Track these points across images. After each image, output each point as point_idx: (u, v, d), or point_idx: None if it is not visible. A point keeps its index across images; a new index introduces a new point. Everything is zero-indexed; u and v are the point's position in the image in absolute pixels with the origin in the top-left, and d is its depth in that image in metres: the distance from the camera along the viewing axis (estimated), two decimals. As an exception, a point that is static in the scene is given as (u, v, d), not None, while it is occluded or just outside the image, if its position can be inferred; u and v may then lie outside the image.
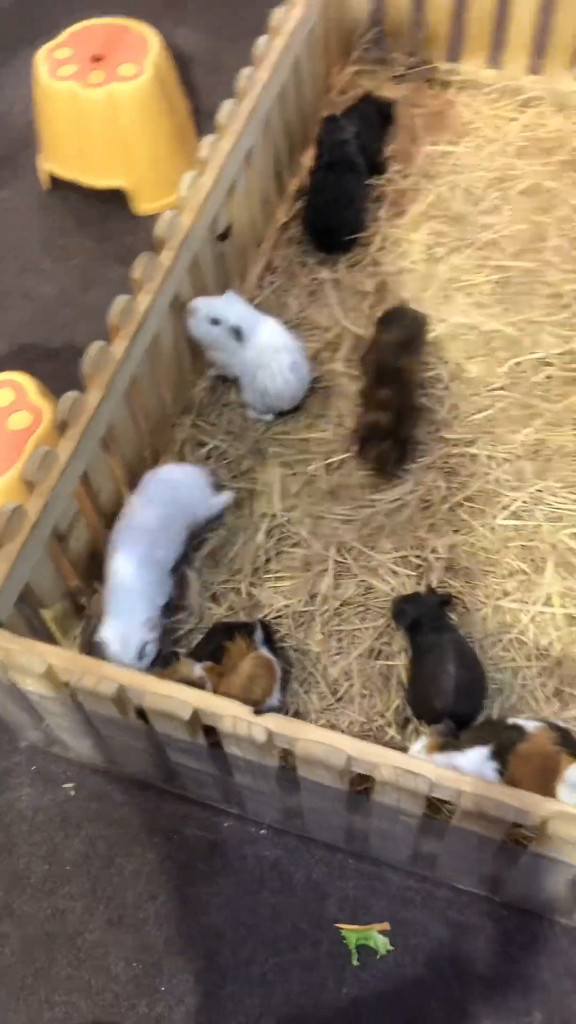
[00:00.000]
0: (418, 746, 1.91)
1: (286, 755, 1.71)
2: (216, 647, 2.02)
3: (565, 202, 2.94)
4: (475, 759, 1.84)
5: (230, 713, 1.63)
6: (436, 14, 3.18)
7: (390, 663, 2.21)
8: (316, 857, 2.06)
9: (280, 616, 2.29)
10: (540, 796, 1.56)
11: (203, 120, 3.42)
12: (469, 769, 1.81)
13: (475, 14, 3.14)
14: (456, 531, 2.37)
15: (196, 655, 2.04)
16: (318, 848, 2.07)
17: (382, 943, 1.96)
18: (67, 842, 2.12)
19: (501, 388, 2.60)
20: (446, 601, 2.20)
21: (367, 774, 1.62)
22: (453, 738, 1.92)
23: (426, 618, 2.14)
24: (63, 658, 1.73)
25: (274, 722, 1.64)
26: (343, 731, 2.10)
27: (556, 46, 3.15)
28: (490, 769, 1.84)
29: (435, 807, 1.82)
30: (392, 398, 2.39)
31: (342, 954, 1.96)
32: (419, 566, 2.32)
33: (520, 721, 1.93)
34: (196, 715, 1.66)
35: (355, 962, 1.95)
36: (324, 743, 1.58)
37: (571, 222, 2.89)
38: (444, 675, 2.02)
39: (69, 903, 2.06)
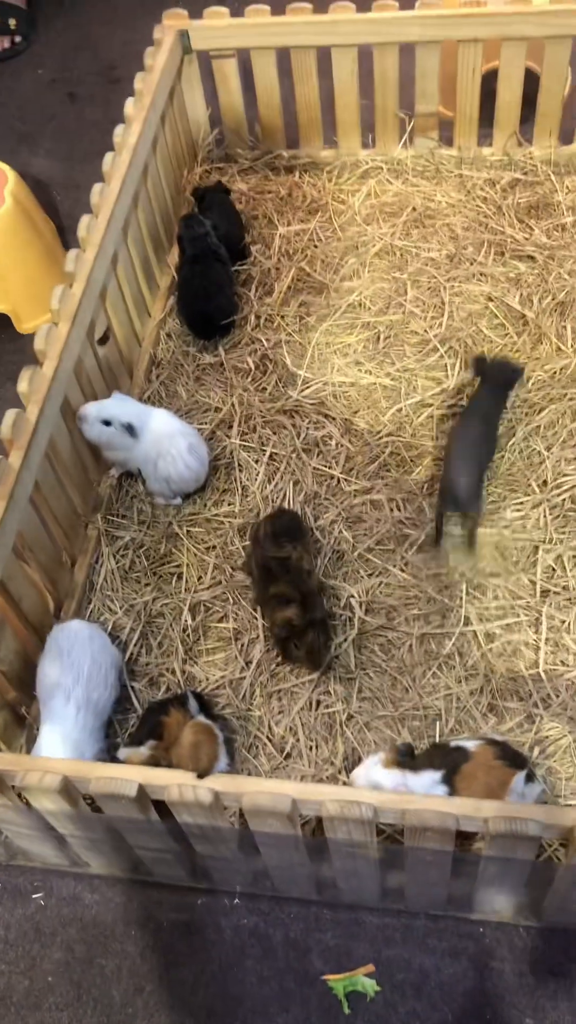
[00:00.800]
0: (373, 759, 1.97)
1: (237, 815, 1.76)
2: (154, 725, 2.07)
3: (416, 256, 3.16)
4: (427, 783, 1.91)
5: (175, 782, 1.68)
6: (267, 110, 3.43)
7: (330, 710, 2.28)
8: (291, 915, 2.09)
9: (218, 687, 2.35)
10: (479, 800, 1.63)
11: (70, 236, 3.60)
12: (420, 792, 1.88)
13: (302, 103, 3.40)
14: (370, 575, 2.48)
15: (137, 739, 2.08)
16: (292, 905, 2.10)
17: (370, 985, 1.98)
18: (45, 952, 2.11)
19: (388, 435, 2.75)
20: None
21: (315, 814, 1.67)
22: (409, 758, 1.98)
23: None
24: (4, 760, 1.76)
25: (219, 782, 1.70)
26: (296, 785, 2.15)
27: (383, 121, 3.42)
28: (441, 792, 1.91)
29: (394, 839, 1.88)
30: (290, 590, 2.25)
31: (333, 1005, 1.98)
32: (341, 615, 2.42)
33: (461, 742, 2.01)
34: (143, 790, 1.71)
35: (347, 1010, 1.96)
36: (268, 792, 1.64)
37: (425, 274, 3.11)
38: None
39: (56, 1014, 2.04)
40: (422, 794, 1.86)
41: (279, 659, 2.36)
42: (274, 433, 2.80)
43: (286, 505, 2.63)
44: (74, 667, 2.16)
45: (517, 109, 3.33)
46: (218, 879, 2.08)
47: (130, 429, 2.51)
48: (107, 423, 2.51)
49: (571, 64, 3.25)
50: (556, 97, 3.27)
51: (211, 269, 2.99)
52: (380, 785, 1.90)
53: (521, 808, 1.62)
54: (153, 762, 1.98)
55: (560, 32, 3.09)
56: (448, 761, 1.95)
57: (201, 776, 1.71)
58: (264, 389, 2.90)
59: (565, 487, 2.56)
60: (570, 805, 2.06)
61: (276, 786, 1.67)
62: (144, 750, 2.03)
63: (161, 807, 1.78)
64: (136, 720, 2.28)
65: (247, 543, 2.51)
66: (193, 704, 2.13)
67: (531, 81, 3.29)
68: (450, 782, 1.91)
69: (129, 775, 1.71)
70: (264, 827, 1.70)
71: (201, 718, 2.09)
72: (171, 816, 1.78)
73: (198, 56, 3.36)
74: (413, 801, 1.63)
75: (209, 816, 1.71)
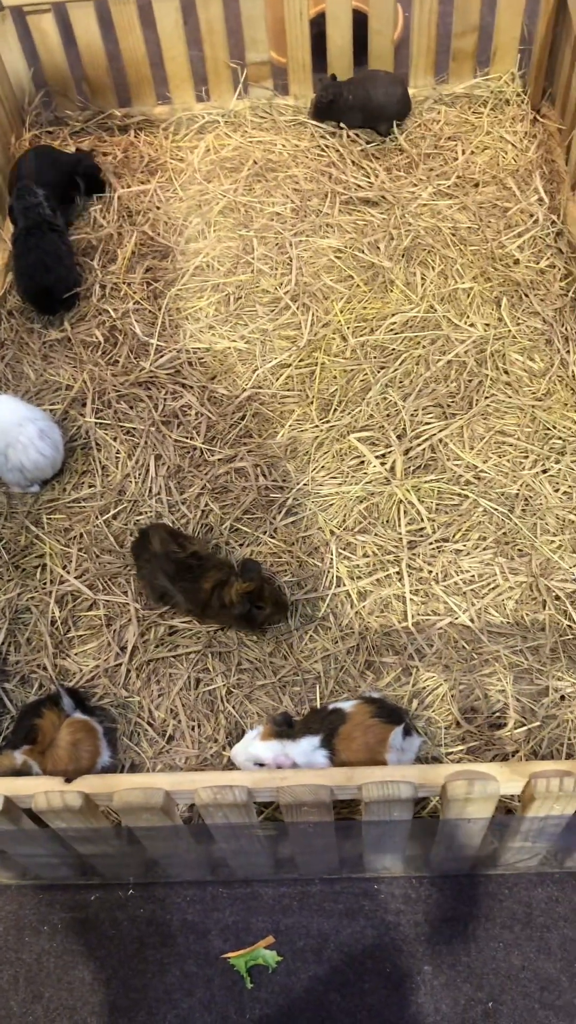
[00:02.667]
0: (252, 735, 1.95)
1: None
2: (28, 728, 1.99)
3: (261, 212, 3.09)
4: (306, 748, 1.91)
5: (41, 790, 1.62)
6: (93, 68, 3.27)
7: (211, 687, 2.24)
8: (188, 898, 2.07)
9: (94, 677, 2.28)
10: (350, 768, 1.63)
11: None
12: (302, 760, 1.87)
13: (129, 58, 3.25)
14: (242, 544, 2.44)
15: (12, 744, 2.01)
16: (187, 888, 2.08)
17: (271, 956, 1.98)
18: None
19: (248, 399, 2.69)
20: None
21: (189, 802, 1.64)
22: (287, 727, 1.97)
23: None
24: None
25: (87, 784, 1.65)
26: (180, 769, 2.12)
27: (215, 72, 3.30)
28: (320, 757, 1.90)
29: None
30: (219, 572, 2.23)
31: (236, 982, 1.98)
32: (215, 588, 2.38)
33: (339, 704, 2.01)
34: (10, 802, 1.64)
35: (249, 985, 1.96)
36: (139, 787, 1.59)
37: (271, 230, 3.04)
38: None
39: (-46, 1034, 1.98)
40: (303, 762, 1.85)
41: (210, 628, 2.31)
42: (130, 407, 2.71)
43: (150, 482, 2.55)
44: None
45: (349, 53, 3.27)
46: (108, 874, 2.04)
47: (-28, 422, 2.39)
48: (-57, 419, 2.38)
49: (401, 4, 3.20)
50: (387, 38, 3.22)
51: (45, 240, 2.85)
52: (260, 758, 1.88)
53: (392, 771, 1.62)
54: (27, 770, 1.91)
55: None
56: (326, 725, 1.94)
57: (69, 780, 1.65)
58: (116, 362, 2.80)
59: (424, 436, 2.56)
60: (448, 755, 2.09)
61: (146, 780, 1.63)
62: (18, 755, 1.95)
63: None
64: (11, 723, 2.20)
65: (136, 565, 2.37)
66: (67, 701, 2.06)
67: (362, 23, 3.23)
68: (329, 745, 1.91)
69: (-7, 788, 1.65)
70: (139, 822, 1.65)
71: (77, 715, 2.03)
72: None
73: (12, 13, 3.16)
74: (286, 777, 1.62)
75: (83, 820, 1.66)
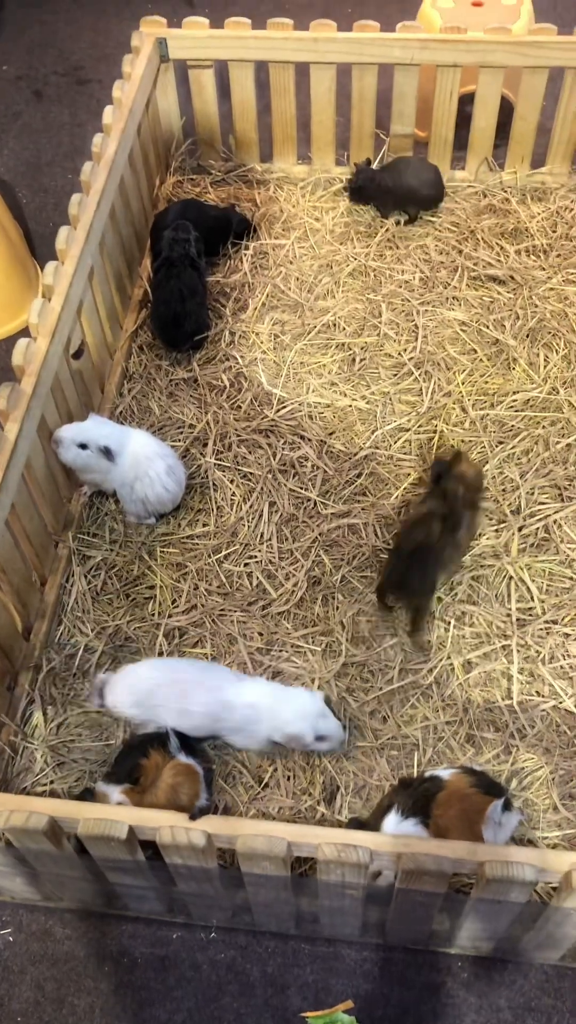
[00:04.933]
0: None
1: (223, 853, 1.72)
2: (132, 766, 2.01)
3: (390, 279, 3.16)
4: (390, 824, 1.91)
5: (167, 823, 1.64)
6: (242, 123, 3.40)
7: (308, 741, 2.26)
8: (269, 949, 2.06)
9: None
10: (473, 843, 1.63)
11: (36, 240, 3.52)
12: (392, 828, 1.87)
13: (278, 118, 3.37)
14: (353, 601, 2.47)
15: (114, 778, 2.02)
16: (269, 940, 2.07)
17: (349, 1021, 1.97)
18: (13, 991, 2.05)
19: (365, 458, 2.74)
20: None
21: (310, 855, 1.65)
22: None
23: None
24: (-13, 801, 1.70)
25: (211, 824, 1.66)
26: (274, 818, 2.13)
27: (358, 140, 3.41)
28: (410, 826, 1.90)
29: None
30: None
31: (312, 1042, 1.96)
32: (324, 640, 2.40)
33: (437, 772, 2.02)
34: (132, 833, 1.66)
35: (327, 1047, 1.95)
36: (263, 835, 1.61)
37: (399, 296, 3.11)
38: None
39: (26, 1055, 1.98)
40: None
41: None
42: (249, 452, 2.77)
43: (262, 526, 2.60)
44: None
45: (491, 134, 3.36)
46: (196, 914, 2.05)
47: (107, 452, 2.45)
48: (83, 446, 2.44)
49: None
50: (530, 125, 3.31)
51: (185, 273, 2.92)
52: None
53: (514, 851, 1.62)
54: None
55: (537, 63, 3.12)
56: (419, 791, 1.94)
57: (194, 817, 1.67)
58: (239, 407, 2.87)
59: (539, 516, 2.58)
60: (544, 840, 2.07)
61: (270, 828, 1.64)
62: (115, 793, 1.96)
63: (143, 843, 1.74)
64: (116, 752, 2.22)
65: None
66: (174, 742, 2.06)
67: (502, 107, 3.32)
68: (424, 812, 1.90)
69: (119, 815, 1.67)
70: (256, 868, 1.67)
71: (182, 757, 2.04)
72: (156, 855, 1.74)
73: (174, 64, 3.31)
74: (409, 844, 1.62)
75: (200, 859, 1.67)
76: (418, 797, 1.91)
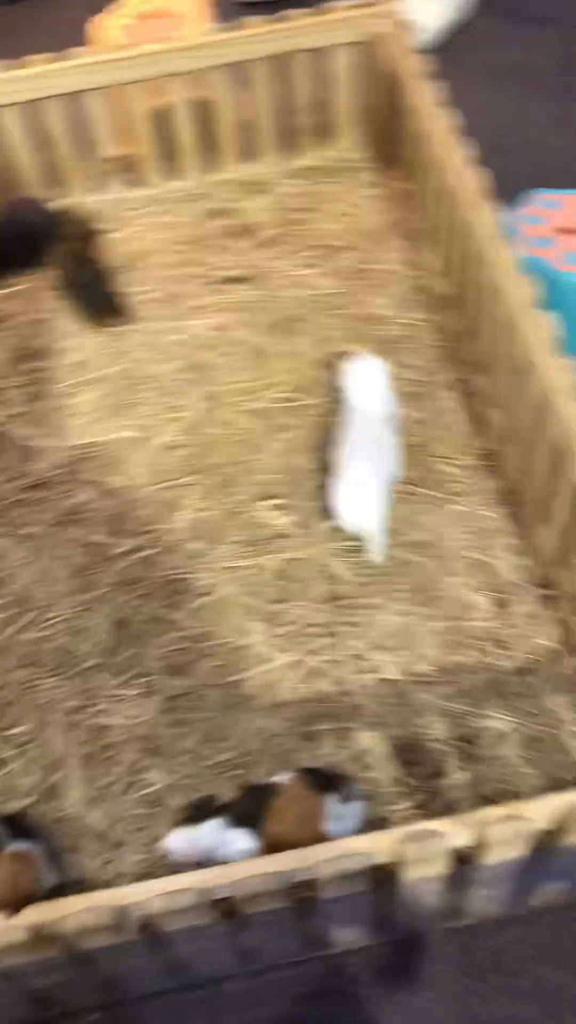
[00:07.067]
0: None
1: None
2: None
3: (141, 303, 3.11)
4: (209, 830, 1.88)
5: (-22, 929, 1.54)
6: None
7: (149, 789, 2.18)
8: (155, 1010, 1.99)
9: (28, 795, 2.20)
10: (303, 851, 1.61)
11: None
12: (206, 841, 1.85)
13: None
14: (160, 635, 2.41)
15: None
16: (153, 1001, 1.99)
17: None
18: None
19: (146, 484, 2.69)
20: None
21: (145, 913, 1.59)
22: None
23: None
24: None
25: (34, 913, 1.57)
26: (130, 875, 2.05)
27: (71, 172, 3.35)
28: (234, 836, 1.87)
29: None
30: None
31: None
32: (141, 682, 2.33)
33: (276, 778, 1.98)
34: (-48, 948, 1.55)
35: None
36: (89, 907, 1.53)
37: (150, 318, 3.07)
38: None
39: None
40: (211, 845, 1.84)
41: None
42: (27, 511, 2.67)
43: (54, 585, 2.51)
44: None
45: (195, 141, 3.37)
46: (69, 1002, 1.94)
47: None
48: None
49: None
50: (229, 122, 3.33)
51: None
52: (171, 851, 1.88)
53: (342, 845, 1.61)
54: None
55: (214, 62, 3.14)
56: (247, 802, 1.91)
57: (11, 915, 1.57)
58: (3, 470, 2.76)
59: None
60: (395, 813, 2.08)
61: (94, 899, 1.57)
62: None
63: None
64: None
65: None
66: (1, 831, 1.95)
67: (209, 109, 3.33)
68: (255, 823, 1.87)
69: None
70: (95, 942, 1.59)
71: (14, 846, 1.93)
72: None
73: None
74: (238, 870, 1.58)
75: (34, 952, 1.58)
76: (246, 806, 1.87)
